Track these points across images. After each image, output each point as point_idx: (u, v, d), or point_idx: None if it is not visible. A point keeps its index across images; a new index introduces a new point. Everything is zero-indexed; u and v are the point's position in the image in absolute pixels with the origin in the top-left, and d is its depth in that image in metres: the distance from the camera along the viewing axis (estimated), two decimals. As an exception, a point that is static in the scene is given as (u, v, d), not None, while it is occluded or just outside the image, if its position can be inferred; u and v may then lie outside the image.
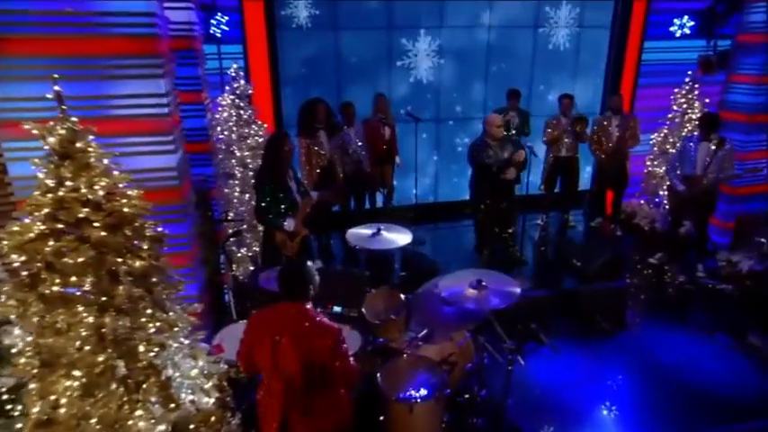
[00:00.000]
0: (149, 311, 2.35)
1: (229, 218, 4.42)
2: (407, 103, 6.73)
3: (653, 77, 6.55)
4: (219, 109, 4.89)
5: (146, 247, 2.30)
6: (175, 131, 2.84)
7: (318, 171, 5.39)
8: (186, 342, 2.70)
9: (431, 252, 6.04)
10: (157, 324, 2.36)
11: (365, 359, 3.16)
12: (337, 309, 3.33)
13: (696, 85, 6.16)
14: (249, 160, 4.96)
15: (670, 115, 6.31)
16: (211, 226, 4.09)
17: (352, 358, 2.54)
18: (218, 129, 4.87)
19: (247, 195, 4.90)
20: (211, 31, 4.63)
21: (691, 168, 5.10)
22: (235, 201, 4.97)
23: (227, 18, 4.73)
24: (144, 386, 2.31)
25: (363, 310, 3.15)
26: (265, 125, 5.18)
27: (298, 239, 4.13)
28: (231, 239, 4.95)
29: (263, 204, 3.87)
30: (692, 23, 5.79)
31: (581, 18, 6.90)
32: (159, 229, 2.41)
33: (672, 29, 5.99)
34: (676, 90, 6.28)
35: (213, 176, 4.37)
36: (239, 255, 5.07)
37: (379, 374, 2.73)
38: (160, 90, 2.62)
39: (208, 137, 4.20)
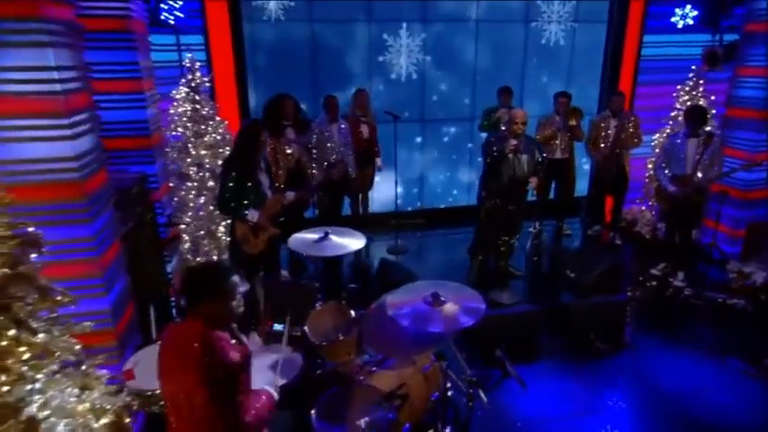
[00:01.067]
0: (12, 333, 1.87)
1: (175, 221, 3.94)
2: (389, 100, 6.29)
3: (654, 74, 6.07)
4: (175, 104, 4.45)
5: (3, 251, 1.83)
6: (76, 115, 2.38)
7: (285, 172, 4.94)
8: (82, 369, 2.23)
9: (414, 262, 5.54)
10: (23, 349, 1.88)
11: (313, 386, 2.67)
12: (279, 326, 2.85)
13: (701, 82, 5.68)
14: (207, 160, 4.50)
15: (673, 114, 5.82)
16: (153, 231, 3.62)
17: (271, 393, 2.02)
18: (172, 125, 4.42)
19: (203, 198, 4.44)
20: (162, 17, 4.19)
21: (680, 167, 4.61)
22: (191, 204, 4.51)
23: (180, 3, 4.29)
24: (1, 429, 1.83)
25: (306, 328, 2.66)
26: (226, 122, 4.73)
27: (263, 237, 3.69)
28: (184, 246, 4.50)
29: (226, 192, 3.49)
30: (696, 13, 5.31)
31: (576, 12, 6.46)
32: (30, 230, 1.94)
33: (673, 19, 5.51)
34: (679, 87, 5.80)
35: (158, 175, 3.91)
36: (194, 264, 4.60)
37: (314, 410, 2.23)
38: (48, 62, 2.17)
39: (149, 131, 3.74)
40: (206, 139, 4.50)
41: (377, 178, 6.04)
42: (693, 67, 5.65)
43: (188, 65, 4.37)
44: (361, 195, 6.00)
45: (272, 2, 5.62)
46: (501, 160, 4.34)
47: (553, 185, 6.16)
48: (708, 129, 4.65)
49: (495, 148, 4.34)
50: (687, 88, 5.73)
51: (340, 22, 5.90)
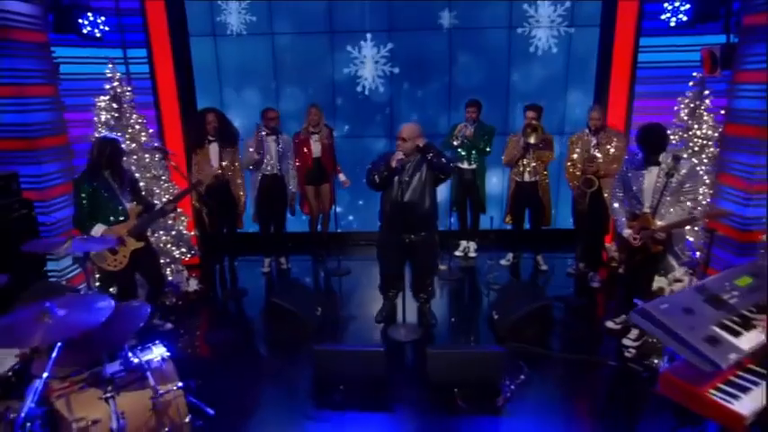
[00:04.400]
0: None
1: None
2: (354, 116, 6.03)
3: (653, 84, 5.01)
4: (102, 113, 4.65)
5: None
6: None
7: (205, 188, 4.91)
8: None
9: (344, 284, 5.17)
10: None
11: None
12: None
13: (706, 93, 4.53)
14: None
15: (669, 132, 4.71)
16: (25, 228, 3.78)
17: None
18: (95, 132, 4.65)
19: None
20: (86, 32, 4.47)
21: (635, 203, 3.63)
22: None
23: (102, 18, 4.55)
24: None
25: None
26: (150, 130, 4.86)
27: (124, 252, 3.68)
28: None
29: (77, 205, 3.58)
30: (688, 6, 4.26)
31: (571, 15, 5.62)
32: None
33: (664, 17, 4.50)
34: (680, 99, 4.69)
35: (44, 177, 4.08)
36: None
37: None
38: None
39: (33, 134, 3.92)
40: (123, 146, 4.65)
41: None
42: (695, 75, 4.54)
43: (109, 75, 4.58)
44: (322, 214, 5.78)
45: (234, 17, 5.74)
46: (384, 184, 3.80)
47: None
48: (678, 154, 3.63)
49: (375, 171, 3.82)
50: (687, 100, 4.61)
51: (300, 35, 5.81)
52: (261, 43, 5.84)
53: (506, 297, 4.42)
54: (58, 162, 4.20)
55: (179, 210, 4.97)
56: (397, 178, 3.78)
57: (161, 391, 2.53)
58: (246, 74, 5.94)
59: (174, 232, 5.00)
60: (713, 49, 4.18)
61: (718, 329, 2.11)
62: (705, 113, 4.50)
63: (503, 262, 5.65)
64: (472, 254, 5.86)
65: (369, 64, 5.89)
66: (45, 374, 1.78)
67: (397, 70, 5.90)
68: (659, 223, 3.54)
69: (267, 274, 5.55)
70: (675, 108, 4.72)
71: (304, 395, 3.37)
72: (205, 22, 5.71)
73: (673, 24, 4.45)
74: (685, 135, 4.58)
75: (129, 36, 5.13)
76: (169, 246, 4.89)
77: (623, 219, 3.74)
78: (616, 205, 3.80)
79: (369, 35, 5.80)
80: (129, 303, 3.25)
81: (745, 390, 2.05)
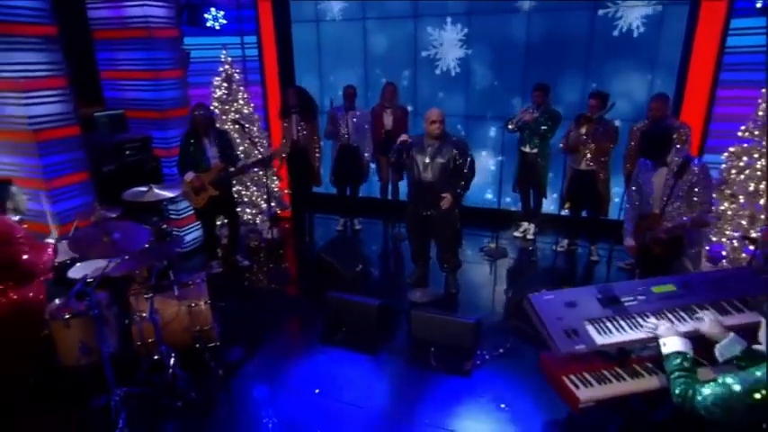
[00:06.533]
0: None
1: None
2: (433, 95, 6.43)
3: (742, 72, 4.47)
4: (217, 90, 5.87)
5: None
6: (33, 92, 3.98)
7: (289, 150, 5.89)
8: None
9: (396, 247, 5.82)
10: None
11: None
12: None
13: (795, 84, 3.98)
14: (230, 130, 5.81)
15: (742, 128, 4.25)
16: (153, 177, 5.15)
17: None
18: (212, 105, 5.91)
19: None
20: (209, 25, 5.66)
21: (646, 204, 3.55)
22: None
23: (222, 13, 5.68)
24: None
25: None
26: (252, 104, 5.97)
27: (204, 196, 4.87)
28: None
29: (179, 154, 4.84)
30: (773, -13, 3.75)
31: (664, -9, 5.18)
32: None
33: (748, -3, 4.01)
34: (765, 90, 4.17)
35: (170, 139, 5.43)
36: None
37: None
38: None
39: (163, 107, 5.23)
40: (230, 116, 5.85)
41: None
42: (781, 63, 4.00)
43: (223, 59, 5.75)
44: (390, 183, 6.43)
45: (333, 3, 6.51)
46: (398, 165, 4.28)
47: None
48: (688, 157, 3.47)
49: (390, 154, 4.30)
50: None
51: (387, 19, 6.34)
52: (354, 27, 6.52)
53: (531, 279, 4.61)
54: (180, 128, 5.52)
55: (273, 170, 6.09)
56: (419, 159, 4.23)
57: (192, 303, 3.55)
58: (341, 54, 6.71)
59: (265, 189, 6.13)
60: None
61: (587, 325, 2.30)
62: (787, 109, 3.97)
63: (557, 248, 5.68)
64: (530, 236, 5.97)
65: (448, 46, 6.19)
66: (85, 273, 2.85)
67: (474, 52, 6.11)
68: (666, 225, 3.45)
69: (341, 232, 6.43)
70: (759, 100, 4.22)
71: (316, 331, 4.18)
72: (309, 9, 6.59)
73: (759, 5, 3.96)
74: (757, 132, 4.11)
75: (246, 26, 6.26)
76: (259, 200, 6.06)
77: (630, 225, 3.70)
78: (630, 214, 3.75)
79: (449, 18, 6.09)
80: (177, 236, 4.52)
81: (602, 381, 2.24)
